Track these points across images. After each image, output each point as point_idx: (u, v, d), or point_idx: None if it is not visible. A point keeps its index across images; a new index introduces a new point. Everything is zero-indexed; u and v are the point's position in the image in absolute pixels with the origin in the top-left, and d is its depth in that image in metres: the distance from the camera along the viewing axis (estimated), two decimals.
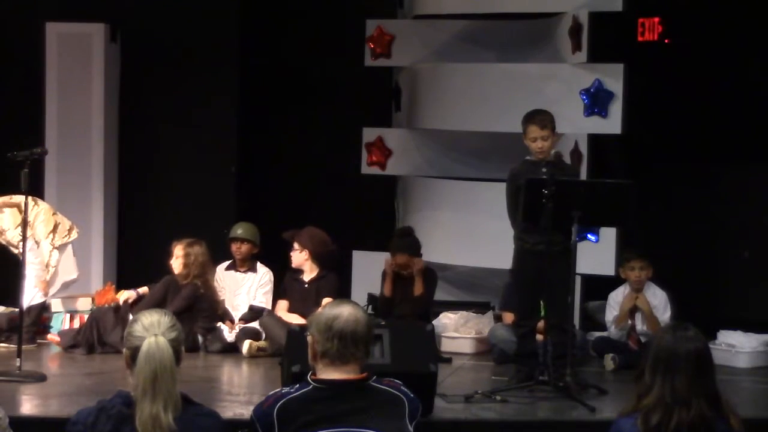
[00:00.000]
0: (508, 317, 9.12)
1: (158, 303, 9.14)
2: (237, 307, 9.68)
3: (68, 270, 9.33)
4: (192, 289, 9.33)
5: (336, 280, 9.55)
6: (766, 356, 9.03)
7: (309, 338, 4.37)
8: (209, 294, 9.45)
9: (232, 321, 9.51)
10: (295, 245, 9.44)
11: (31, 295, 9.05)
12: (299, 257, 9.45)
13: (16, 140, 9.04)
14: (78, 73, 10.58)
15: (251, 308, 9.61)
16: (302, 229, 9.47)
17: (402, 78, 10.99)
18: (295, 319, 9.05)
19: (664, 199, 10.33)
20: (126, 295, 9.42)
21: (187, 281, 9.34)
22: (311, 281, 9.45)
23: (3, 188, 9.24)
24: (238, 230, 9.75)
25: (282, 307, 9.51)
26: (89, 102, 10.63)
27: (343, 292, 9.65)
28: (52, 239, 9.21)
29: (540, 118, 7.91)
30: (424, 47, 10.71)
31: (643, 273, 9.00)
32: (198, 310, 9.33)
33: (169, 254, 9.42)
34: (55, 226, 9.24)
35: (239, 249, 9.73)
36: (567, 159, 8.87)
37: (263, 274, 9.77)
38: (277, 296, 9.66)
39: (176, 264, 9.37)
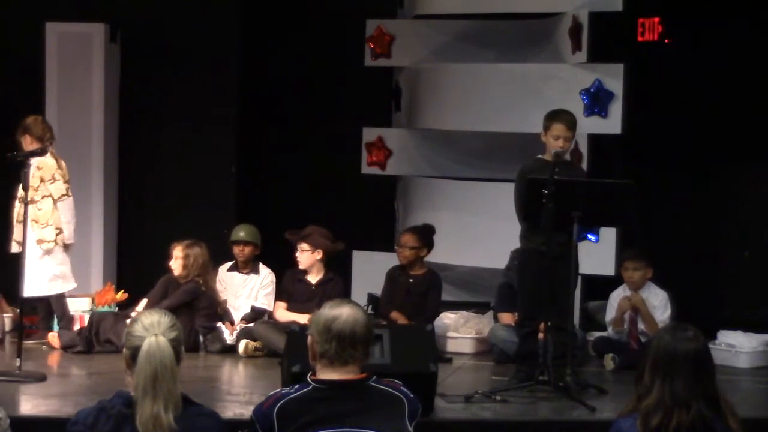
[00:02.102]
0: (505, 317, 9.12)
1: (158, 302, 9.14)
2: (238, 308, 9.67)
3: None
4: (193, 285, 9.31)
5: (343, 284, 9.52)
6: (766, 356, 9.03)
7: (309, 339, 4.37)
8: (209, 293, 9.43)
9: (232, 323, 9.50)
10: (305, 246, 9.32)
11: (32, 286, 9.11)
12: (310, 258, 9.31)
13: (17, 140, 9.06)
14: (78, 73, 10.58)
15: (253, 309, 9.60)
16: (304, 230, 9.40)
17: (402, 78, 10.99)
18: (297, 317, 9.03)
19: (664, 199, 10.33)
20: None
21: (186, 281, 9.34)
22: (318, 283, 9.34)
23: (3, 188, 9.24)
24: (240, 233, 9.73)
25: (280, 308, 9.46)
26: (89, 102, 10.62)
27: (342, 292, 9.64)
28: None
29: (567, 118, 7.91)
30: (424, 47, 10.71)
31: (637, 273, 9.00)
32: (198, 308, 9.31)
33: (168, 256, 9.41)
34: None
35: (242, 251, 9.71)
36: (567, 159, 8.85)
37: (265, 276, 9.75)
38: (276, 297, 9.62)
39: (176, 265, 9.36)
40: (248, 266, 9.76)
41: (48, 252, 9.16)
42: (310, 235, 9.33)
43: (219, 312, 9.49)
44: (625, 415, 4.16)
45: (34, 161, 9.06)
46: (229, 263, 9.81)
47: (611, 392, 7.69)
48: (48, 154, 9.11)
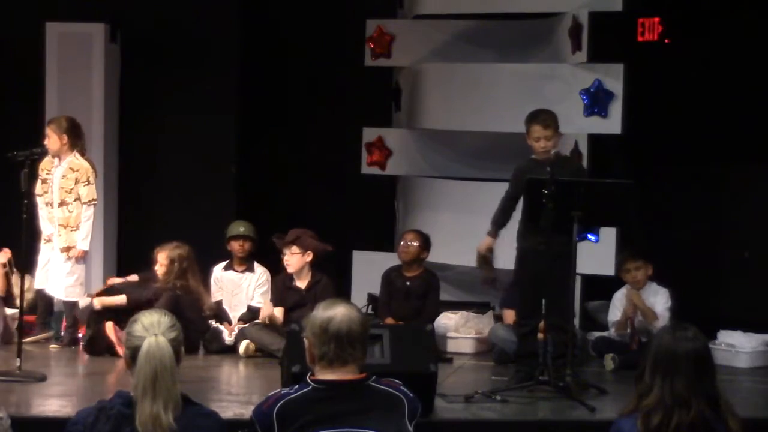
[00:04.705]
0: (508, 316, 9.12)
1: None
2: (235, 308, 9.64)
3: None
4: (168, 295, 9.01)
5: (332, 282, 9.37)
6: (766, 356, 9.04)
7: (306, 342, 4.36)
8: (191, 297, 9.19)
9: (230, 322, 9.47)
10: (295, 249, 9.19)
11: (60, 290, 9.15)
12: (300, 261, 9.19)
13: (16, 140, 9.05)
14: (78, 73, 10.58)
15: (249, 308, 9.58)
16: (288, 234, 9.24)
17: (402, 78, 10.99)
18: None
19: (664, 199, 10.33)
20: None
21: (167, 286, 9.15)
22: (308, 287, 9.24)
23: (3, 188, 9.25)
24: (240, 228, 9.73)
25: (277, 314, 9.26)
26: (89, 102, 10.62)
27: (342, 292, 9.63)
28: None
29: (543, 117, 7.91)
30: (424, 47, 10.71)
31: (639, 272, 9.01)
32: (185, 315, 8.98)
33: (153, 261, 9.29)
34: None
35: (243, 247, 9.68)
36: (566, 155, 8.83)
37: (260, 274, 9.72)
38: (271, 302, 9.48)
39: (160, 271, 9.23)
40: (244, 264, 9.73)
41: (77, 258, 9.16)
42: (300, 238, 9.21)
43: (207, 314, 9.39)
44: (626, 415, 4.16)
45: (65, 163, 9.06)
46: (224, 263, 9.78)
47: (611, 392, 7.69)
48: (80, 156, 9.13)
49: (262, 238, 9.79)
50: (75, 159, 9.12)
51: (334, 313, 4.29)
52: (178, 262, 9.18)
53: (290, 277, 9.27)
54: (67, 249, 9.10)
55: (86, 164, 9.16)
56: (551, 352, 7.65)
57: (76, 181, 9.09)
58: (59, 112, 9.88)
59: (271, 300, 9.44)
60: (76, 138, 9.14)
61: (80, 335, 9.31)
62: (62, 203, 9.10)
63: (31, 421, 6.69)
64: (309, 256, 9.22)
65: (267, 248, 9.77)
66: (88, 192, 9.12)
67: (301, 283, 9.27)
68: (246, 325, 9.34)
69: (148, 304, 8.73)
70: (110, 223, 10.85)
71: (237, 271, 9.76)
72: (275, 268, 9.56)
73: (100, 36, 10.61)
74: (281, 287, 9.35)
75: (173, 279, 9.17)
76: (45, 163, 9.06)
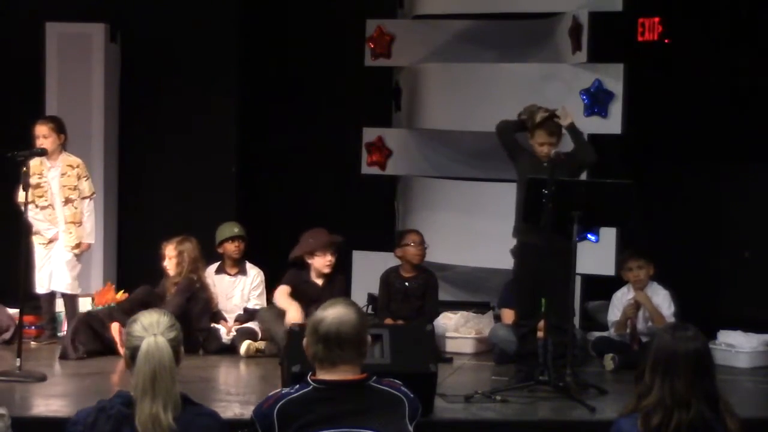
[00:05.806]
0: (507, 316, 9.11)
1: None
2: (231, 311, 9.60)
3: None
4: (187, 281, 9.14)
5: (344, 281, 9.42)
6: (766, 356, 9.03)
7: (304, 340, 4.37)
8: (204, 289, 9.29)
9: (226, 321, 9.46)
10: (330, 256, 9.08)
11: (66, 283, 9.18)
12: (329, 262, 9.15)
13: (16, 140, 9.05)
14: (78, 73, 10.58)
15: (246, 311, 9.56)
16: (308, 233, 9.15)
17: (402, 78, 10.99)
18: (291, 304, 8.93)
19: (665, 199, 10.33)
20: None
21: (180, 279, 9.19)
22: (324, 285, 9.13)
23: (3, 188, 9.25)
24: (235, 229, 9.69)
25: (283, 292, 9.06)
26: (89, 102, 10.62)
27: (342, 292, 9.61)
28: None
29: (549, 124, 7.93)
30: (424, 47, 10.71)
31: (642, 272, 9.00)
32: (193, 307, 9.13)
33: (161, 256, 9.32)
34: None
35: (239, 247, 9.65)
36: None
37: (254, 276, 9.68)
38: (277, 284, 9.26)
39: (170, 265, 9.24)
40: (236, 267, 9.69)
41: (82, 251, 9.24)
42: (333, 243, 9.09)
43: (213, 309, 9.40)
44: (626, 414, 4.16)
45: (60, 161, 9.07)
46: (216, 265, 9.74)
47: (611, 392, 7.70)
48: (66, 153, 9.15)
49: (262, 238, 9.78)
50: (68, 156, 9.16)
51: (326, 314, 4.29)
52: (187, 253, 9.19)
53: (308, 273, 9.20)
54: (77, 246, 9.14)
55: (80, 159, 9.21)
56: (551, 352, 7.65)
57: (78, 177, 9.13)
58: (59, 112, 9.88)
59: (273, 287, 9.39)
60: (66, 136, 9.20)
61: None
62: (68, 201, 9.12)
63: (31, 421, 6.70)
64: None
65: (268, 248, 9.77)
66: (89, 186, 9.21)
67: (318, 279, 9.18)
68: (245, 324, 9.34)
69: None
70: (110, 223, 10.84)
71: (230, 275, 9.69)
72: (272, 268, 9.54)
73: (100, 36, 10.61)
74: (295, 279, 9.18)
75: (187, 272, 9.17)
76: (34, 168, 8.83)
